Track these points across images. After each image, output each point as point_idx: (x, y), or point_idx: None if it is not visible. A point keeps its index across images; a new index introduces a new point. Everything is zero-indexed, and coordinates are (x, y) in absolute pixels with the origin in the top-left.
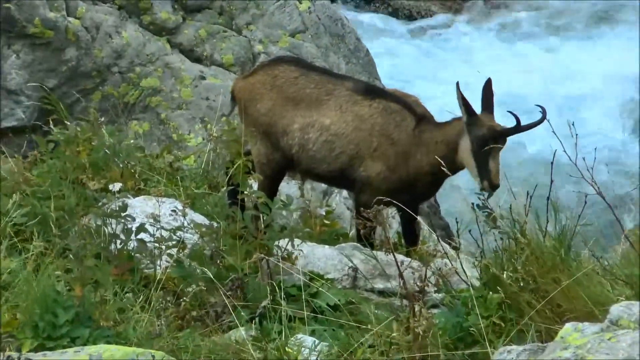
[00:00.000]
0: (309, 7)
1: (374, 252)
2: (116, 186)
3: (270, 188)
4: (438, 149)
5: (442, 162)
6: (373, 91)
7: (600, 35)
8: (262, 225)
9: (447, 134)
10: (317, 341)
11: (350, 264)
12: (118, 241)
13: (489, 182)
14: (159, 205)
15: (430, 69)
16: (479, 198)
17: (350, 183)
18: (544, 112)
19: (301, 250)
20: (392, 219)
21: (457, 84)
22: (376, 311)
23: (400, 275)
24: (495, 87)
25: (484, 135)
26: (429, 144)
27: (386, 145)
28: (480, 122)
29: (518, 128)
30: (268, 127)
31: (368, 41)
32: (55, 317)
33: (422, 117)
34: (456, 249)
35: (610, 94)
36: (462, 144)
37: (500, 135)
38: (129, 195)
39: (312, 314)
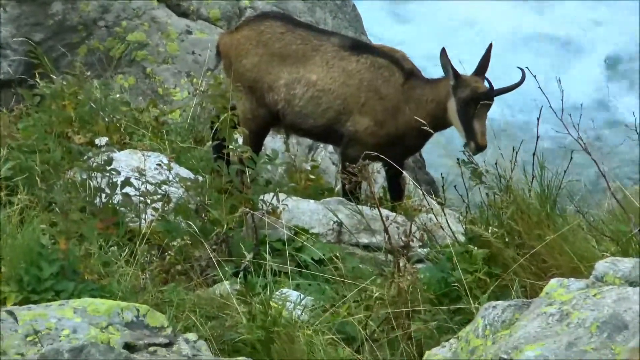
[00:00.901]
0: None
1: (359, 206)
2: (102, 140)
3: (256, 143)
4: (428, 107)
5: (433, 119)
6: (360, 46)
7: None
8: (248, 180)
9: (437, 93)
10: (301, 295)
11: (335, 219)
12: (103, 195)
13: (475, 143)
14: (144, 159)
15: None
16: (464, 153)
17: (337, 138)
18: (523, 74)
19: (286, 204)
20: (378, 173)
21: (443, 49)
22: (361, 265)
23: (385, 230)
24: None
25: (467, 97)
26: (419, 100)
27: (374, 100)
28: (465, 84)
29: (501, 89)
30: (253, 83)
31: None
32: (40, 271)
33: (411, 73)
34: (441, 203)
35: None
36: (449, 105)
37: (484, 96)
38: (114, 149)
39: (296, 269)
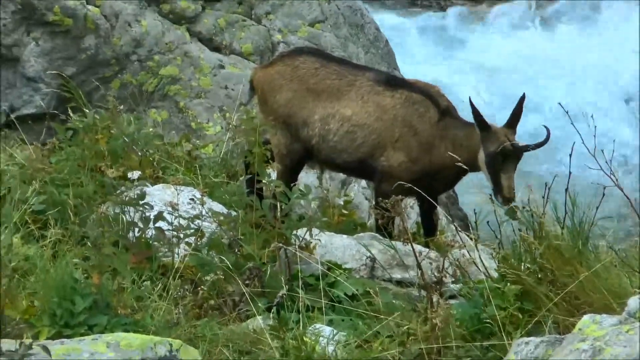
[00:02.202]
0: None
1: (392, 242)
2: (135, 174)
3: (289, 178)
4: (461, 150)
5: (464, 163)
6: (395, 81)
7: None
8: (280, 214)
9: (470, 138)
10: (334, 331)
11: (368, 254)
12: (136, 229)
13: (502, 197)
14: (177, 194)
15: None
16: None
17: (371, 173)
18: (548, 132)
19: (319, 239)
20: (411, 209)
21: (470, 98)
22: (394, 301)
23: (418, 266)
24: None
25: (495, 151)
26: (454, 141)
27: (408, 135)
28: (493, 138)
29: (528, 147)
30: (288, 118)
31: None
32: (73, 305)
33: (446, 110)
34: (474, 239)
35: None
36: (479, 155)
37: (512, 153)
38: (147, 184)
39: (329, 304)
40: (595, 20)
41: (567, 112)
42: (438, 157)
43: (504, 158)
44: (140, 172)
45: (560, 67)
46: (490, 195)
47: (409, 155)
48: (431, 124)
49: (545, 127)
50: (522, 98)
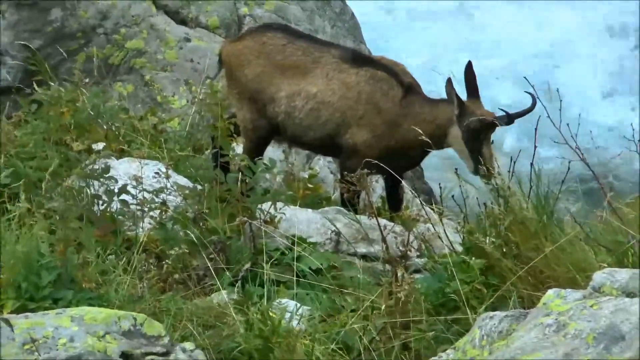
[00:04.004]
0: None
1: (357, 216)
2: (99, 145)
3: (255, 153)
4: (426, 127)
5: (430, 140)
6: (360, 59)
7: None
8: (245, 188)
9: (437, 116)
10: (299, 305)
11: (333, 228)
12: (101, 203)
13: (485, 170)
14: (142, 167)
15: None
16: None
17: (336, 151)
18: (533, 99)
19: (284, 213)
20: (376, 183)
21: (449, 79)
22: (359, 275)
23: (383, 240)
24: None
25: (475, 127)
26: (417, 118)
27: (373, 113)
28: (470, 113)
29: (509, 118)
30: (255, 94)
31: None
32: (39, 279)
33: (410, 87)
34: (439, 213)
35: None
36: (453, 132)
37: (492, 126)
38: (112, 157)
39: (294, 278)
40: None
41: (532, 86)
42: (402, 135)
43: (485, 131)
44: (104, 144)
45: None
46: (456, 169)
47: (373, 132)
48: (395, 101)
49: (530, 93)
50: (469, 65)
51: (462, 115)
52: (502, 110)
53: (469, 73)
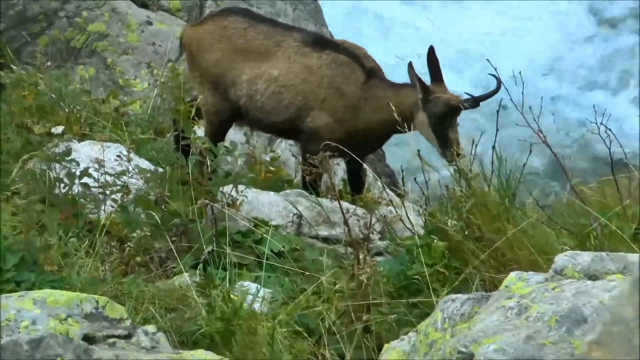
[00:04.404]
0: None
1: (319, 199)
2: (58, 128)
3: (217, 136)
4: (389, 110)
5: (392, 124)
6: (322, 42)
7: None
8: (207, 171)
9: (401, 100)
10: (261, 287)
11: (295, 211)
12: (62, 185)
13: (453, 152)
14: (104, 150)
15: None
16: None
17: (298, 134)
18: (498, 81)
19: (245, 196)
20: (338, 166)
21: (410, 63)
22: (320, 258)
23: (345, 223)
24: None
25: (441, 111)
26: (380, 102)
27: (334, 97)
28: (435, 97)
29: (475, 100)
30: (216, 78)
31: None
32: (2, 261)
33: (372, 71)
34: (401, 196)
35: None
36: (419, 117)
37: (458, 109)
38: (74, 140)
39: (256, 260)
40: None
41: (495, 69)
42: (364, 119)
43: (451, 114)
44: (64, 127)
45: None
46: (419, 151)
47: (335, 116)
48: (357, 85)
49: (494, 75)
50: (431, 49)
51: (426, 100)
52: (467, 94)
53: (432, 58)
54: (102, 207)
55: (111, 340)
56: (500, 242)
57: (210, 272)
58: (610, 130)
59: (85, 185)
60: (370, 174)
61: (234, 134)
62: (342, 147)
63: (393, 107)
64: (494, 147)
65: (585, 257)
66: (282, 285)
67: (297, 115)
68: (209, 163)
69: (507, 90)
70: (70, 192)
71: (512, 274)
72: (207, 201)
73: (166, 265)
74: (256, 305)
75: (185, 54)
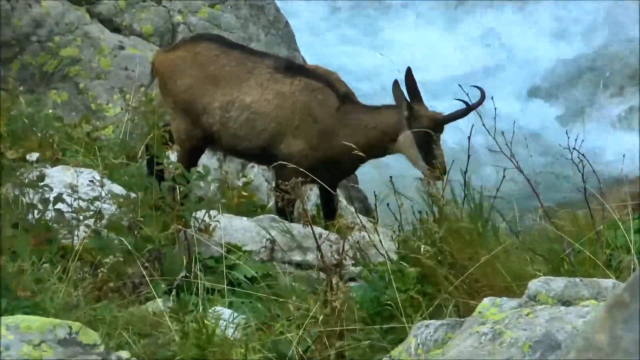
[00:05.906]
0: None
1: (292, 224)
2: (33, 156)
3: (190, 161)
4: (369, 134)
5: (371, 146)
6: (294, 68)
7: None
8: (179, 197)
9: (382, 122)
10: (234, 313)
11: (268, 236)
12: (35, 211)
13: (439, 169)
14: (77, 176)
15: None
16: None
17: (272, 160)
18: (482, 93)
19: (218, 221)
20: (311, 191)
21: (396, 81)
22: (294, 284)
23: (318, 248)
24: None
25: (427, 127)
26: (357, 126)
27: (308, 123)
28: (419, 115)
29: (457, 115)
30: (188, 104)
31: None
32: None
33: (345, 96)
34: (373, 222)
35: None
36: (403, 136)
37: (442, 124)
38: (47, 165)
39: (229, 286)
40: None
41: (467, 94)
42: (338, 144)
43: (437, 131)
44: (39, 154)
45: None
46: (391, 177)
47: (309, 142)
48: (331, 111)
49: (478, 87)
50: (408, 70)
51: (412, 119)
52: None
53: (409, 78)
54: (76, 233)
55: None
56: (474, 268)
57: (184, 297)
58: (583, 156)
59: (59, 211)
60: (342, 199)
61: (207, 159)
62: (312, 176)
63: (372, 129)
64: (465, 171)
65: (559, 283)
66: (255, 311)
67: (270, 141)
68: (181, 189)
69: (481, 117)
70: (43, 218)
71: (486, 300)
72: (179, 227)
73: (139, 291)
74: (229, 331)
75: (157, 80)
